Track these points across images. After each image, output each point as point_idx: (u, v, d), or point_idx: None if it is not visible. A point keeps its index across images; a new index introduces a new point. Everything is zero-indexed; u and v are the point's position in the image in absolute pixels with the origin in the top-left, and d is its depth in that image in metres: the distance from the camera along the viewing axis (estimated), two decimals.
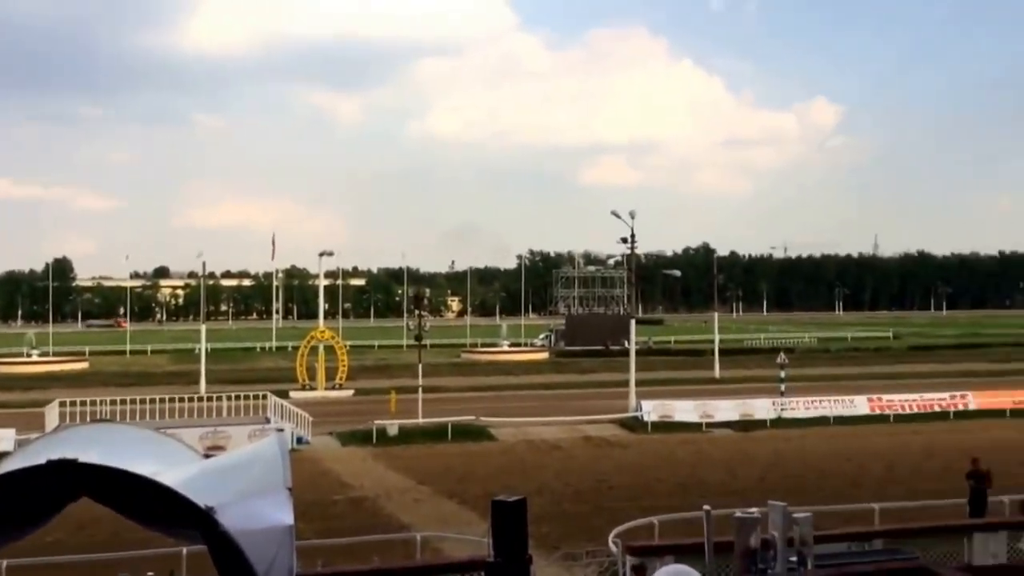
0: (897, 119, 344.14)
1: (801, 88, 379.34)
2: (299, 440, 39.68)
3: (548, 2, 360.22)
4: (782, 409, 47.62)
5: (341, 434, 43.06)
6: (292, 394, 55.78)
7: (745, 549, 12.73)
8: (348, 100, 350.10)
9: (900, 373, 69.78)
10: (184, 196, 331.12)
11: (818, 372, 69.60)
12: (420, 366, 49.47)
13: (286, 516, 8.39)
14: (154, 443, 9.89)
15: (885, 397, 49.70)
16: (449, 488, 31.63)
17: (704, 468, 35.36)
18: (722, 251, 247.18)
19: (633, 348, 53.83)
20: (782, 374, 51.62)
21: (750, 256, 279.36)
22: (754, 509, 13.63)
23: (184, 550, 16.55)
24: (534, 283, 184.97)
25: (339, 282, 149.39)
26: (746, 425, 45.56)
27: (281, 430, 11.15)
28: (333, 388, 62.22)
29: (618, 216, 53.35)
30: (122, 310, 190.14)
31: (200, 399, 47.90)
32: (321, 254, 73.27)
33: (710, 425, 45.52)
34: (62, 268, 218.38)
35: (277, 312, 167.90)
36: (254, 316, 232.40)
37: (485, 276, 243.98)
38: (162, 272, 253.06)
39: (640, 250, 61.20)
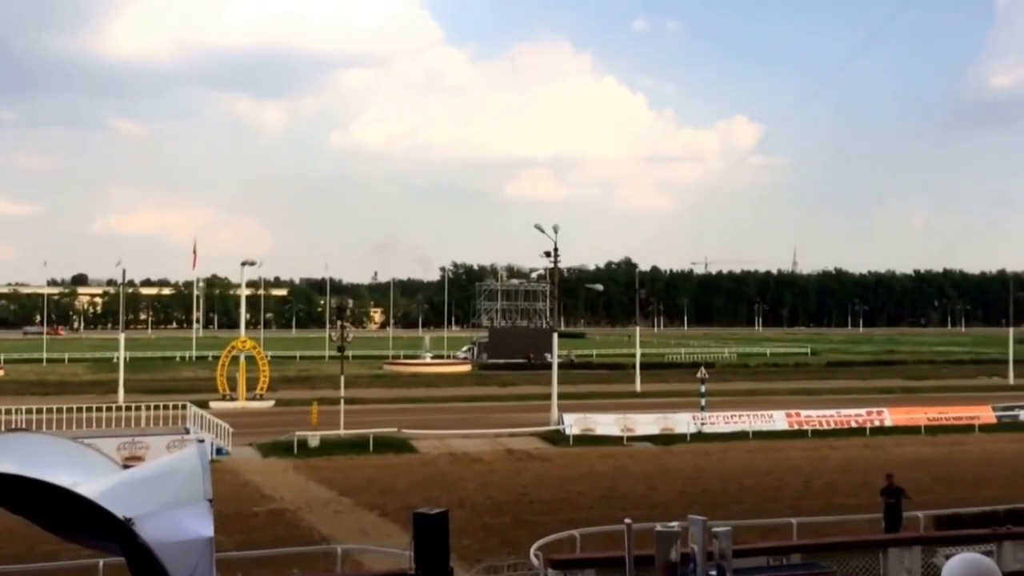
0: (814, 138, 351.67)
1: (722, 107, 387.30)
2: (219, 451, 39.15)
3: (472, 16, 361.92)
4: (702, 423, 48.11)
5: (262, 445, 42.59)
6: (212, 404, 55.03)
7: (665, 563, 12.83)
8: (271, 109, 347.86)
9: (818, 389, 70.88)
10: (103, 203, 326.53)
11: (738, 387, 70.41)
12: (342, 377, 49.23)
13: (206, 528, 8.26)
14: (72, 453, 9.69)
15: (803, 413, 50.42)
16: (370, 500, 31.46)
17: (625, 481, 35.57)
18: (644, 266, 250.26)
19: (555, 361, 54.02)
20: (702, 389, 52.11)
21: (671, 271, 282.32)
22: (674, 523, 13.75)
23: (101, 562, 16.25)
24: (457, 295, 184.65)
25: (261, 292, 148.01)
26: (667, 439, 45.92)
27: (201, 441, 10.98)
28: (254, 399, 61.52)
29: (541, 230, 53.61)
30: (38, 317, 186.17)
31: (118, 408, 47.20)
32: (243, 264, 72.49)
33: (631, 439, 45.81)
34: None
35: (197, 321, 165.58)
36: (174, 325, 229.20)
37: (408, 288, 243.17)
38: (80, 279, 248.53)
39: (563, 264, 61.58)
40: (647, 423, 47.61)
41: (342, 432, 44.29)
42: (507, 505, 30.92)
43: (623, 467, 39.20)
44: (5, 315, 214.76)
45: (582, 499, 31.89)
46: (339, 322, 64.92)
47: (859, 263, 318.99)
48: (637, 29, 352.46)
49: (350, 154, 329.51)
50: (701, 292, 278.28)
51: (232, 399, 60.75)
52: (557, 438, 45.73)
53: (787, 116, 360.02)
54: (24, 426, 39.47)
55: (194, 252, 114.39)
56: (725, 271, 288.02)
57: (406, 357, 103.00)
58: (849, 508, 26.70)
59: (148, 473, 9.89)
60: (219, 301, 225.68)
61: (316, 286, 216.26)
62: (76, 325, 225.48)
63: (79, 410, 44.14)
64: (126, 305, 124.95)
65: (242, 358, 63.70)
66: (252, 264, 74.44)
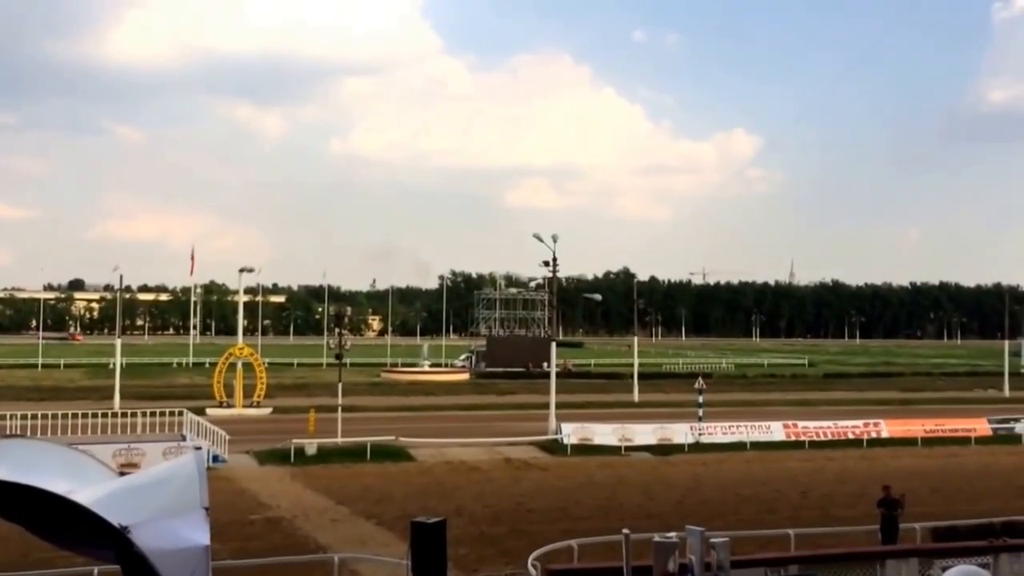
0: (813, 151, 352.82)
1: (720, 119, 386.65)
2: (215, 458, 39.04)
3: (473, 27, 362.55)
4: (700, 434, 48.05)
5: (259, 453, 42.48)
6: (209, 411, 54.90)
7: (663, 573, 12.79)
8: (271, 116, 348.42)
9: (815, 400, 70.85)
10: (101, 208, 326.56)
11: (735, 398, 70.36)
12: (340, 385, 49.14)
13: (202, 536, 8.22)
14: (67, 459, 9.64)
15: (800, 424, 50.39)
16: (367, 509, 31.37)
17: (623, 492, 35.51)
18: (642, 276, 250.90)
19: (553, 371, 54.02)
20: (700, 399, 52.04)
21: (669, 282, 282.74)
22: (672, 533, 13.71)
23: (96, 569, 16.16)
24: (455, 304, 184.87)
25: (259, 299, 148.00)
26: (664, 449, 45.88)
27: (198, 448, 10.96)
28: (251, 406, 61.40)
29: (540, 239, 53.55)
30: (34, 323, 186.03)
31: (114, 415, 46.99)
32: (241, 270, 72.47)
33: (629, 449, 45.77)
34: None
35: (195, 328, 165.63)
36: (171, 331, 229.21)
37: (407, 296, 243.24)
38: (77, 285, 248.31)
39: (561, 273, 61.55)
40: (645, 433, 47.57)
41: (339, 440, 44.20)
42: (505, 514, 30.84)
43: (621, 477, 39.14)
44: (1, 320, 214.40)
45: (580, 509, 31.83)
46: (337, 329, 65.03)
47: (855, 275, 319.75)
48: (637, 41, 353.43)
49: (350, 161, 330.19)
50: (699, 302, 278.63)
51: (229, 406, 60.61)
52: (555, 447, 45.67)
53: (784, 129, 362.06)
54: (19, 432, 39.41)
55: (192, 258, 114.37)
56: (723, 282, 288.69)
57: (404, 365, 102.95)
58: (846, 520, 26.67)
59: (144, 480, 9.84)
60: (217, 307, 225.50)
61: (314, 293, 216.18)
62: (73, 330, 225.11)
63: (75, 416, 44.08)
64: (123, 311, 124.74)
65: (239, 365, 63.59)
66: (250, 271, 74.60)
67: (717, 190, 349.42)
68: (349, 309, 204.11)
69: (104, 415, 45.70)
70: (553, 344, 58.72)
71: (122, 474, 11.28)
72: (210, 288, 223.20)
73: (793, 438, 48.64)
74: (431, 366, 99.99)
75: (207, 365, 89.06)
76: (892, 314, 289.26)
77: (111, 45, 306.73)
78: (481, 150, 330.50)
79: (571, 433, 46.55)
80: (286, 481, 37.21)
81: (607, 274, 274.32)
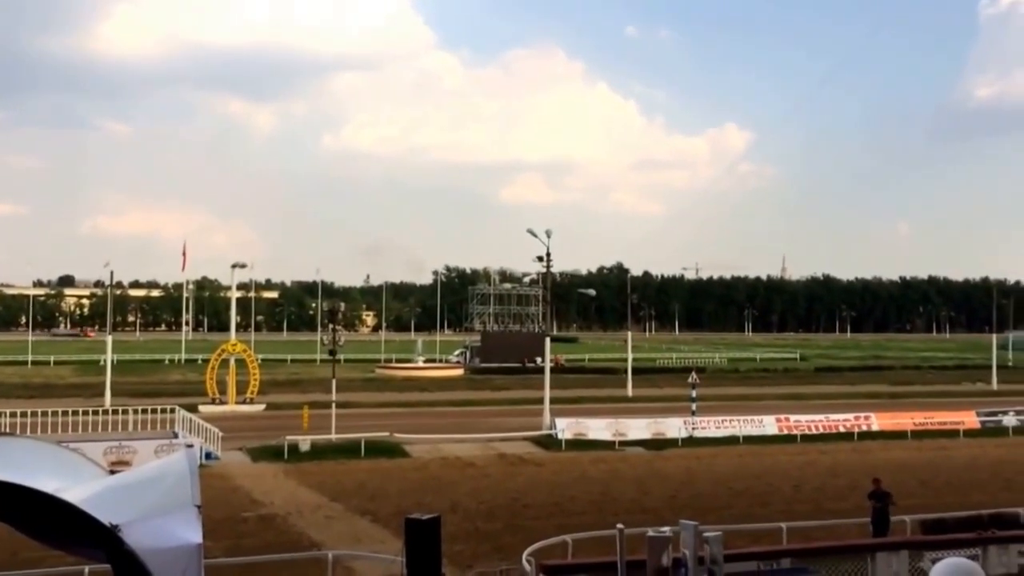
0: (803, 146, 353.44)
1: (712, 114, 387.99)
2: (208, 455, 38.96)
3: (466, 22, 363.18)
4: (693, 428, 48.10)
5: (252, 450, 42.38)
6: (201, 408, 54.85)
7: (657, 567, 12.82)
8: (263, 111, 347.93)
9: (807, 394, 71.02)
10: (91, 203, 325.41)
11: (728, 392, 70.40)
12: (334, 381, 49.09)
13: (194, 534, 8.20)
14: (57, 458, 9.60)
15: (792, 417, 50.51)
16: (362, 505, 31.31)
17: (617, 486, 35.52)
18: (636, 271, 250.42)
19: (548, 366, 53.96)
20: (693, 393, 52.13)
21: (663, 276, 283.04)
22: (666, 528, 13.73)
23: (87, 568, 16.12)
24: (450, 299, 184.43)
25: (251, 294, 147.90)
26: (658, 444, 45.90)
27: (190, 445, 10.89)
28: (244, 402, 61.23)
29: (534, 235, 53.57)
30: (23, 319, 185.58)
31: (105, 412, 46.78)
32: (234, 266, 72.29)
33: (623, 443, 45.77)
34: None
35: (187, 324, 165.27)
36: (163, 328, 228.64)
37: (400, 291, 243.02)
38: (67, 281, 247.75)
39: (555, 268, 61.41)
40: (639, 428, 47.58)
41: (333, 436, 44.12)
42: (499, 510, 30.82)
43: (615, 472, 39.14)
44: None
45: (574, 504, 31.82)
46: (331, 325, 64.92)
47: (846, 270, 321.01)
48: (629, 37, 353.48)
49: (342, 157, 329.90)
50: (692, 297, 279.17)
51: (222, 403, 60.50)
52: (549, 443, 45.66)
53: (775, 124, 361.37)
54: (8, 430, 39.28)
55: (184, 254, 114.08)
56: (715, 277, 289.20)
57: (398, 361, 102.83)
58: (837, 512, 26.72)
59: (135, 479, 9.80)
60: (209, 303, 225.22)
61: (308, 289, 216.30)
62: (63, 326, 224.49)
63: (65, 414, 43.78)
64: (114, 307, 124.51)
65: (232, 361, 63.42)
66: (243, 266, 74.34)
67: (709, 185, 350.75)
68: (343, 305, 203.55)
69: (95, 412, 45.56)
70: (547, 339, 58.72)
71: (113, 472, 11.24)
72: (202, 284, 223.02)
73: (785, 432, 48.75)
74: (425, 362, 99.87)
75: (199, 362, 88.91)
76: (882, 308, 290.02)
77: (101, 40, 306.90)
78: (474, 145, 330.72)
79: (565, 428, 46.54)
80: (279, 478, 37.14)
81: (601, 269, 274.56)
